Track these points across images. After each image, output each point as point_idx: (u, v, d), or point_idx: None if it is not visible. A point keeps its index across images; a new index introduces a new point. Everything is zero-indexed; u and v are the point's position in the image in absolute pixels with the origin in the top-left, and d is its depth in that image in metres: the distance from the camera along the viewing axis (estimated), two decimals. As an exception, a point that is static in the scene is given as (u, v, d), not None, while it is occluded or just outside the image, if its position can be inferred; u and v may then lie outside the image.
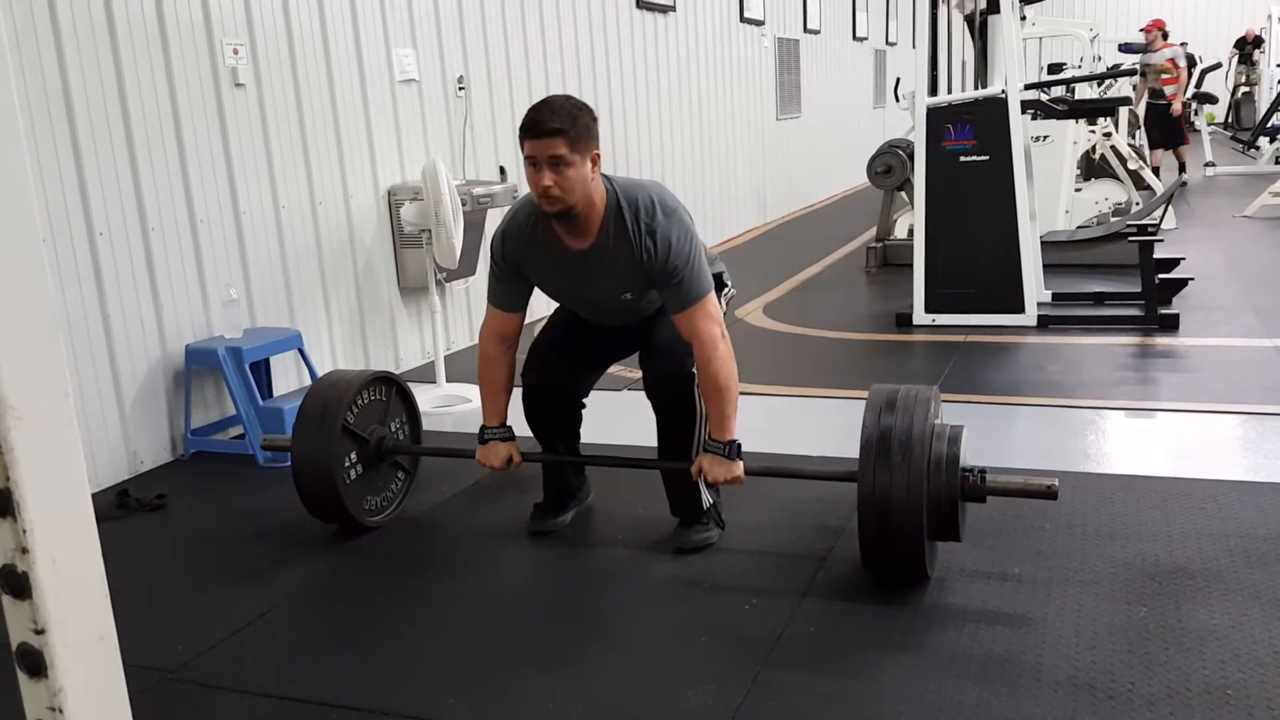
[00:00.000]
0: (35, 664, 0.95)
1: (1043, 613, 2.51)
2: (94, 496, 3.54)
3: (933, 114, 5.46)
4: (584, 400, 3.21)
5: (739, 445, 2.81)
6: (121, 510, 3.47)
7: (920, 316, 5.55)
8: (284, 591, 2.87)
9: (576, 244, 2.80)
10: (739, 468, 2.81)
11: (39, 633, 0.94)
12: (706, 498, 3.01)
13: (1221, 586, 2.59)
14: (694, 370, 2.85)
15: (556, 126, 2.62)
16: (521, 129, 2.67)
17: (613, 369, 4.30)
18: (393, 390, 3.31)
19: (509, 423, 3.05)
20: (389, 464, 3.27)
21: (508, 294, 2.95)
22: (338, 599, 2.86)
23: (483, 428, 3.04)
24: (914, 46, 14.12)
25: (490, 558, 3.05)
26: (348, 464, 3.10)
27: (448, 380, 4.70)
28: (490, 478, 3.56)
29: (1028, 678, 2.24)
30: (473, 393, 4.56)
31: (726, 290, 3.09)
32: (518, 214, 2.90)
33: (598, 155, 2.72)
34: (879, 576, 2.71)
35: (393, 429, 3.29)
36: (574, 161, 2.63)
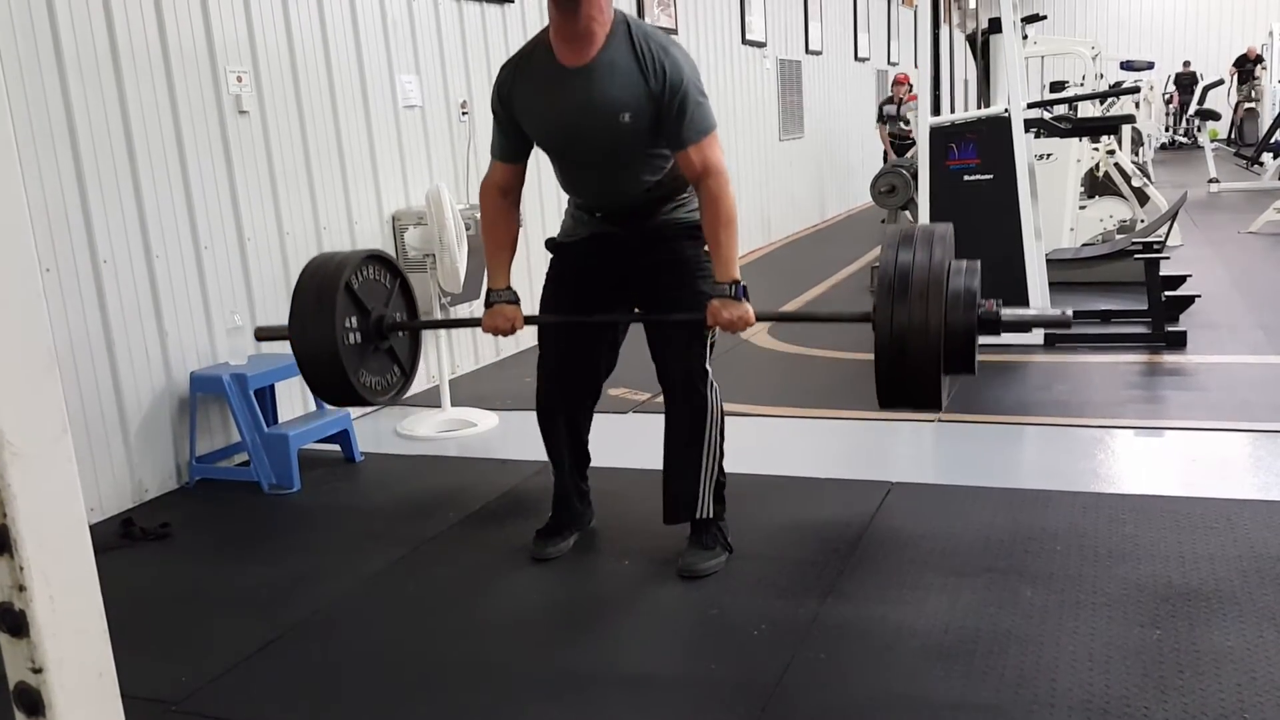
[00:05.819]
0: (33, 703, 0.94)
1: (1055, 636, 2.48)
2: (98, 525, 3.56)
3: (936, 133, 5.46)
4: (599, 390, 3.16)
5: (745, 286, 2.78)
6: (126, 539, 3.45)
7: (926, 336, 5.52)
8: (289, 621, 2.84)
9: (574, 59, 2.70)
10: (748, 308, 2.78)
11: (37, 671, 0.93)
12: (706, 504, 2.97)
13: (1236, 608, 2.56)
14: (708, 366, 2.86)
15: None
16: None
17: (618, 392, 4.29)
18: (396, 282, 3.19)
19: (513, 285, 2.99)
20: (386, 350, 3.13)
21: (505, 140, 2.90)
22: (343, 628, 2.83)
23: (488, 291, 2.98)
24: (916, 66, 14.15)
25: (494, 584, 3.03)
26: (348, 326, 2.98)
27: (453, 404, 4.69)
28: (494, 503, 3.55)
29: (1041, 702, 2.21)
30: (479, 417, 4.56)
31: None
32: (519, 49, 2.86)
33: None
34: (893, 408, 2.73)
35: (394, 317, 3.16)
36: None
